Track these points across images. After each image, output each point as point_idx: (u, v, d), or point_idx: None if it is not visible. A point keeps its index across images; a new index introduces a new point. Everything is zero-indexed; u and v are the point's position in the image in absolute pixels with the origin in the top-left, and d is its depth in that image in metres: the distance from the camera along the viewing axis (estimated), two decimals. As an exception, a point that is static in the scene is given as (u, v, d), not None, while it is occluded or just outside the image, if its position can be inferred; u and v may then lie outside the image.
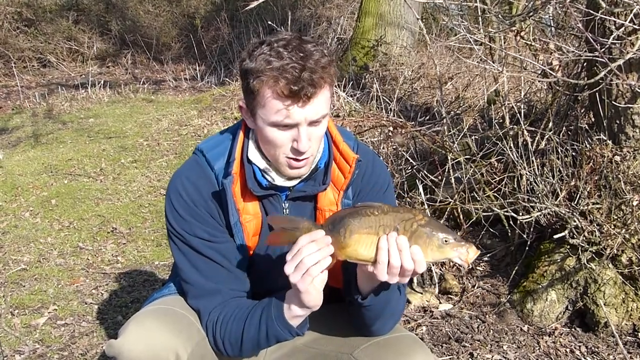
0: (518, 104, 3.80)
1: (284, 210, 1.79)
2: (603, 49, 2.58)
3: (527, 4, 3.21)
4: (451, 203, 3.41)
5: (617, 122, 2.96)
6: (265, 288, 1.83)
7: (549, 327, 2.98)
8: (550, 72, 3.12)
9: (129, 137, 6.40)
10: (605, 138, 2.97)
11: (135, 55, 10.28)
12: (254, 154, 1.73)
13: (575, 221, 2.89)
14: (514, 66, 4.31)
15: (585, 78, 3.04)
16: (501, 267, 3.43)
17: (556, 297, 3.01)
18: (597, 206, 2.90)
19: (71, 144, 6.27)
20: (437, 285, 3.29)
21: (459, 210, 3.42)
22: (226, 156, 1.75)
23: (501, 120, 3.72)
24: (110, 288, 3.53)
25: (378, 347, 1.75)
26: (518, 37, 3.24)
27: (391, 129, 3.93)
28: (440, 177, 3.58)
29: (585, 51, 2.84)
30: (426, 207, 3.45)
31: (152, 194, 5.00)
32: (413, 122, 4.21)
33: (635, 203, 2.80)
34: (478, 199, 3.27)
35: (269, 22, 7.15)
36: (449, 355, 2.79)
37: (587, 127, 3.17)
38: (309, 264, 1.50)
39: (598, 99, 2.98)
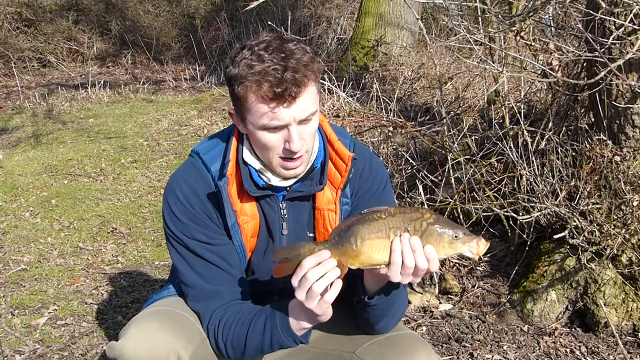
0: (518, 104, 3.80)
1: (282, 211, 1.78)
2: (603, 49, 2.58)
3: (527, 4, 3.21)
4: (451, 203, 3.41)
5: (617, 122, 2.96)
6: (264, 288, 1.83)
7: (549, 327, 2.98)
8: (550, 72, 3.13)
9: (129, 137, 6.40)
10: (605, 138, 2.97)
11: (135, 55, 10.27)
12: (248, 156, 1.73)
13: (575, 221, 2.89)
14: (514, 66, 4.32)
15: (585, 78, 3.04)
16: (501, 267, 3.43)
17: (556, 297, 3.01)
18: (597, 206, 2.90)
19: (71, 144, 6.27)
20: (437, 285, 3.29)
21: (459, 210, 3.42)
22: (221, 158, 1.75)
23: (501, 121, 3.72)
24: (110, 288, 3.52)
25: (380, 346, 1.75)
26: (518, 37, 3.24)
27: (391, 129, 3.92)
28: (440, 177, 3.58)
29: (585, 51, 2.84)
30: (426, 207, 3.45)
31: (152, 194, 5.00)
32: (413, 122, 4.20)
33: (635, 203, 2.80)
34: (478, 199, 3.27)
35: (269, 22, 7.14)
36: (449, 355, 2.79)
37: (587, 127, 3.17)
38: (320, 290, 1.51)
39: (598, 99, 2.98)
